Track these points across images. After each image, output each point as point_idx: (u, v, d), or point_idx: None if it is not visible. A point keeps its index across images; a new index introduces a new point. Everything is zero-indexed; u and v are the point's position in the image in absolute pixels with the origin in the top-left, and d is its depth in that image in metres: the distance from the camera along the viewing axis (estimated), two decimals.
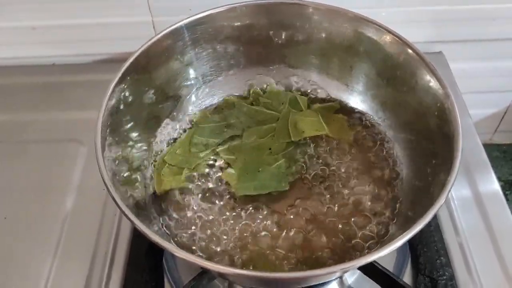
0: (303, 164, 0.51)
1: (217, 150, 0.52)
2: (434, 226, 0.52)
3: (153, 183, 0.49)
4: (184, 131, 0.54)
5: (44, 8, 0.64)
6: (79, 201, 0.55)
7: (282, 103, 0.55)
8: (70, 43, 0.69)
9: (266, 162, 0.50)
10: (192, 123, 0.54)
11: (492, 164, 0.58)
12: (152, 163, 0.51)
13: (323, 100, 0.56)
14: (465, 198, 0.55)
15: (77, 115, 0.63)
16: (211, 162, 0.51)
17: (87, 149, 0.59)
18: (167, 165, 0.50)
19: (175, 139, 0.53)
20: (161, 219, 0.47)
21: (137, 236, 0.51)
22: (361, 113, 0.55)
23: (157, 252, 0.50)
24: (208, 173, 0.50)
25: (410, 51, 0.46)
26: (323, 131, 0.53)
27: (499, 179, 0.58)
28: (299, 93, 0.56)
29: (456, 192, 0.55)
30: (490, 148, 0.61)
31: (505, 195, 0.56)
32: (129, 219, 0.37)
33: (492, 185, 0.56)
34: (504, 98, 0.79)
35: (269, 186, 0.48)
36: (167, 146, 0.52)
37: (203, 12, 0.49)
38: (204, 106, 0.56)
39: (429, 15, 0.66)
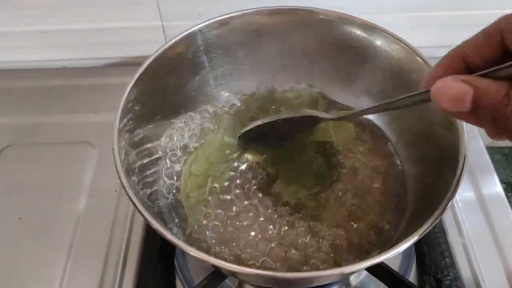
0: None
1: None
2: (438, 228, 0.53)
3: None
4: (201, 132, 0.54)
5: (55, 13, 0.65)
6: (91, 203, 0.55)
7: (299, 97, 0.56)
8: (81, 47, 0.70)
9: (306, 162, 0.51)
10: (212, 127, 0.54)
11: (494, 167, 0.59)
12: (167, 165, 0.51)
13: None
14: (469, 200, 0.56)
15: (88, 118, 0.64)
16: (236, 164, 0.51)
17: (98, 152, 0.60)
18: (192, 176, 0.49)
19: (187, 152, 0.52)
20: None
21: (149, 237, 0.52)
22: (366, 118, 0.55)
23: (169, 252, 0.51)
24: (233, 178, 0.50)
25: (417, 58, 0.47)
26: (330, 139, 0.52)
27: (501, 181, 0.59)
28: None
29: (460, 194, 0.56)
30: (492, 151, 0.62)
31: (507, 197, 0.57)
32: (143, 215, 0.37)
33: (495, 187, 0.57)
34: None
35: (314, 185, 0.49)
36: (181, 153, 0.52)
37: (215, 17, 0.50)
38: (217, 108, 0.56)
39: (432, 20, 0.67)
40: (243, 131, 0.49)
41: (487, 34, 0.28)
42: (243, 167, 0.51)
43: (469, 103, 0.26)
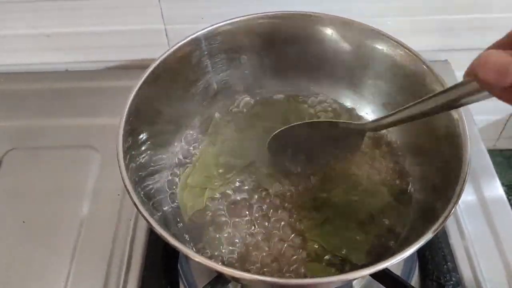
0: None
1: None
2: (441, 231, 0.53)
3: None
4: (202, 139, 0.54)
5: (58, 16, 0.65)
6: (94, 206, 0.55)
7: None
8: (84, 50, 0.70)
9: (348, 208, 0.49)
10: (211, 138, 0.54)
11: (496, 170, 0.59)
12: (171, 174, 0.51)
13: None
14: (470, 203, 0.56)
15: (90, 121, 0.64)
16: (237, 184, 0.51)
17: (101, 155, 0.60)
18: (188, 188, 0.50)
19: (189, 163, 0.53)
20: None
21: (152, 241, 0.52)
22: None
23: (172, 256, 0.51)
24: (230, 193, 0.50)
25: (420, 64, 0.47)
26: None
27: (503, 184, 0.59)
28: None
29: (462, 197, 0.56)
30: (493, 153, 0.62)
31: (509, 200, 0.57)
32: (146, 219, 0.37)
33: (496, 190, 0.57)
34: (507, 105, 0.79)
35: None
36: (184, 158, 0.53)
37: (220, 22, 0.50)
38: (219, 114, 0.56)
39: (435, 24, 0.67)
40: (275, 132, 0.48)
41: None
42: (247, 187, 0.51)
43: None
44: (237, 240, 0.47)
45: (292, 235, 0.47)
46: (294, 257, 0.46)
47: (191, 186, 0.50)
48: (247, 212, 0.49)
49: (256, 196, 0.50)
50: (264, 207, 0.49)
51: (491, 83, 0.25)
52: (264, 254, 0.46)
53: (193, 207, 0.49)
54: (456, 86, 0.31)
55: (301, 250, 0.46)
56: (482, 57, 0.25)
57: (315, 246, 0.46)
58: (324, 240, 0.46)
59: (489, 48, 0.29)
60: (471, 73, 0.28)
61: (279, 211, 0.48)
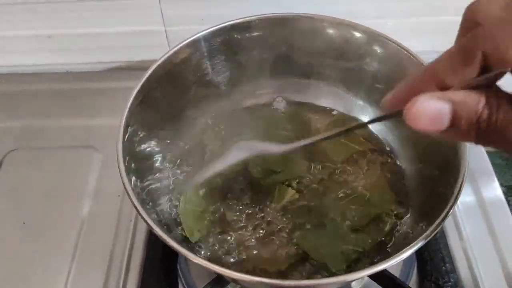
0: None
1: None
2: (439, 232, 0.53)
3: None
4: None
5: (59, 17, 0.66)
6: (95, 207, 0.56)
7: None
8: (84, 51, 0.70)
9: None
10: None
11: (495, 170, 0.60)
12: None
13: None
14: (469, 204, 0.56)
15: (91, 122, 0.64)
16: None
17: (102, 156, 0.60)
18: (187, 210, 0.49)
19: None
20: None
21: (152, 242, 0.52)
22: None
23: (171, 257, 0.51)
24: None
25: (421, 66, 0.47)
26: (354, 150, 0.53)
27: (502, 185, 0.60)
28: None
29: (460, 198, 0.55)
30: (493, 155, 0.62)
31: (508, 200, 0.57)
32: (145, 220, 0.38)
33: (495, 191, 0.58)
34: None
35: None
36: (184, 160, 0.53)
37: (219, 24, 0.51)
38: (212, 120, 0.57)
39: (435, 25, 0.67)
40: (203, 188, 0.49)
41: (464, 53, 0.24)
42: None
43: (447, 120, 0.23)
44: (234, 242, 0.47)
45: (288, 239, 0.47)
46: (293, 259, 0.46)
47: (192, 209, 0.49)
48: (244, 217, 0.49)
49: (252, 203, 0.50)
50: (261, 211, 0.49)
51: (428, 131, 0.24)
52: (263, 256, 0.46)
53: (200, 231, 0.48)
54: (379, 118, 0.32)
55: (298, 253, 0.46)
56: (414, 110, 0.24)
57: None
58: (310, 249, 0.46)
59: (406, 85, 0.28)
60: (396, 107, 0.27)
61: (278, 217, 0.49)
